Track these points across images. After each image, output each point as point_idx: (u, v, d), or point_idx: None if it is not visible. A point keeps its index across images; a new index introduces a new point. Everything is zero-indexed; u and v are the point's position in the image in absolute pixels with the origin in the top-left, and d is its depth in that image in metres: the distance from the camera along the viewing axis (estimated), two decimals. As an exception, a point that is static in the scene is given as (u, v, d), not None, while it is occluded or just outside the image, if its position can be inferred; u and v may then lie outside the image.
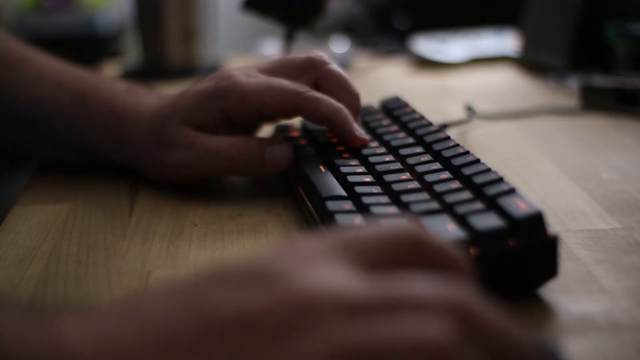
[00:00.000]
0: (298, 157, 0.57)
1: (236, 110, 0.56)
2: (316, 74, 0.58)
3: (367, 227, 0.32)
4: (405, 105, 0.65)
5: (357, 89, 0.59)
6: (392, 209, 0.45)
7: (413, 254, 0.31)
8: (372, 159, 0.53)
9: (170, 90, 0.66)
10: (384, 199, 0.47)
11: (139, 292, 0.30)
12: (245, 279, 0.28)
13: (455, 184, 0.46)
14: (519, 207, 0.41)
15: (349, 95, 0.58)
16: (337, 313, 0.27)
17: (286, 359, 0.26)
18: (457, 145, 0.52)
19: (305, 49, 0.61)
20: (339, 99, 0.57)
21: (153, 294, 0.29)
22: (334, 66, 0.59)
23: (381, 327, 0.26)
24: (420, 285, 0.28)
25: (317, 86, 0.58)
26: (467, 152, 0.50)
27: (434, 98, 0.88)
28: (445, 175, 0.48)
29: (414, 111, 0.63)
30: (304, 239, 0.31)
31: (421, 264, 0.30)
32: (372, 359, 0.26)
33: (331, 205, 0.47)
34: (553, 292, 0.42)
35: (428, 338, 0.26)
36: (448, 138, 0.54)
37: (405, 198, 0.46)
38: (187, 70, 1.04)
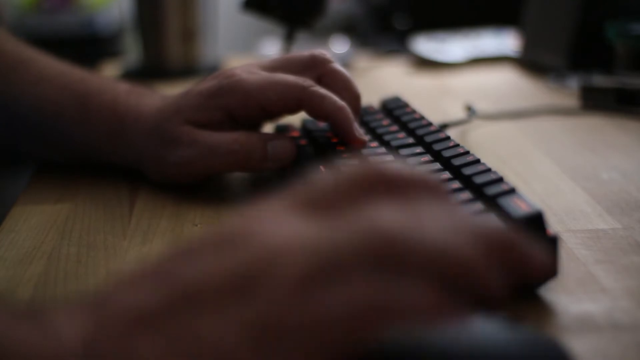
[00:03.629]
0: (298, 157, 0.57)
1: (240, 107, 0.56)
2: (319, 72, 0.58)
3: (322, 177, 0.31)
4: (405, 105, 0.65)
5: (359, 89, 0.59)
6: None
7: (374, 188, 0.30)
8: (372, 159, 0.53)
9: (171, 90, 0.66)
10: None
11: (111, 282, 0.30)
12: (208, 247, 0.29)
13: (455, 184, 0.46)
14: (518, 207, 0.41)
15: (350, 95, 0.58)
16: (303, 261, 0.27)
17: (256, 313, 0.27)
18: (457, 145, 0.52)
19: (305, 49, 0.61)
20: (340, 98, 0.57)
21: (124, 280, 0.30)
22: (337, 65, 0.59)
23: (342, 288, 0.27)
24: (376, 208, 0.29)
25: (319, 84, 0.58)
26: (467, 152, 0.50)
27: (434, 98, 0.88)
28: (446, 175, 0.48)
29: (414, 111, 0.63)
30: (264, 201, 0.31)
31: (387, 194, 0.30)
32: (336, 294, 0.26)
33: (331, 205, 0.47)
34: (553, 292, 0.42)
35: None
36: (448, 138, 0.54)
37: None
38: (187, 70, 1.04)
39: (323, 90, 0.55)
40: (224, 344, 0.27)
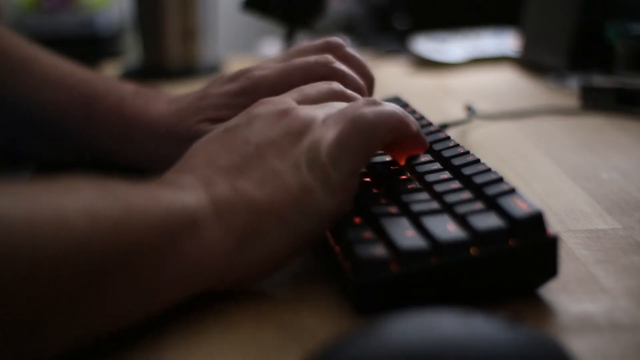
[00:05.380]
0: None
1: None
2: (334, 57, 0.58)
3: (311, 87, 0.49)
4: (405, 105, 0.65)
5: (373, 72, 0.59)
6: (392, 209, 0.45)
7: (336, 96, 0.49)
8: (372, 159, 0.53)
9: (171, 90, 0.66)
10: (384, 198, 0.47)
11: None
12: (261, 119, 0.44)
13: (456, 184, 0.46)
14: (518, 207, 0.41)
15: (364, 78, 0.58)
16: (320, 121, 0.44)
17: (307, 146, 0.42)
18: (457, 145, 0.52)
19: (316, 39, 0.61)
20: None
21: (209, 148, 0.44)
22: (351, 49, 0.59)
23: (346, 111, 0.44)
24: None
25: None
26: (467, 152, 0.50)
27: (434, 98, 0.88)
28: (446, 175, 0.48)
29: (414, 111, 0.63)
30: (272, 97, 0.47)
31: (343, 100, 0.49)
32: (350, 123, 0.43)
33: (331, 205, 0.47)
34: (553, 292, 0.42)
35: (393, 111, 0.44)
36: (448, 138, 0.54)
37: (405, 198, 0.46)
38: (187, 70, 1.04)
39: (345, 67, 0.56)
40: (290, 170, 0.41)
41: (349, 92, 0.49)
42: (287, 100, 0.46)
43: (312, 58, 0.56)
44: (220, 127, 0.46)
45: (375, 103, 0.45)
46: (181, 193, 0.40)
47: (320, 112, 0.45)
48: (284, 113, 0.44)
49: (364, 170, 0.50)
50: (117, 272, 0.36)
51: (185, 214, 0.39)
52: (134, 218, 0.37)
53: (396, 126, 0.44)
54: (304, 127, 0.43)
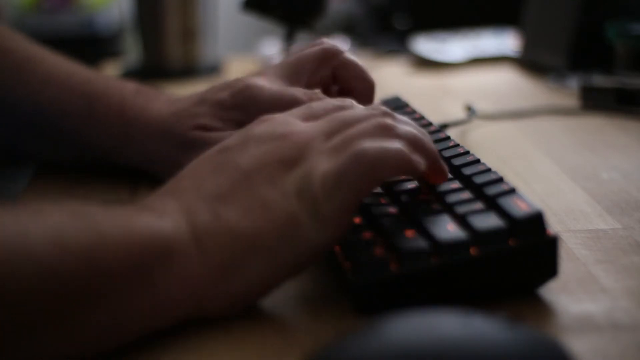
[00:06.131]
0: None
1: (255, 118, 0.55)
2: (332, 65, 0.58)
3: (312, 104, 0.46)
4: (405, 105, 0.65)
5: (372, 77, 0.59)
6: (392, 209, 0.45)
7: (333, 110, 0.46)
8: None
9: (171, 91, 0.66)
10: (384, 198, 0.47)
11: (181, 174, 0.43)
12: (253, 142, 0.42)
13: (456, 184, 0.46)
14: (518, 207, 0.41)
15: (364, 83, 0.58)
16: (320, 144, 0.42)
17: (301, 175, 0.40)
18: (457, 145, 0.52)
19: (314, 42, 0.60)
20: (354, 87, 0.57)
21: (196, 173, 0.42)
22: (350, 55, 0.59)
23: (343, 137, 0.42)
24: (350, 111, 0.45)
25: (334, 76, 0.58)
26: (467, 152, 0.50)
27: (434, 98, 0.88)
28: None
29: (414, 111, 0.63)
30: (274, 115, 0.45)
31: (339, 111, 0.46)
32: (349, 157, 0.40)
33: (331, 205, 0.47)
34: (553, 292, 0.42)
35: (392, 147, 0.41)
36: (448, 138, 0.54)
37: (405, 198, 0.46)
38: (187, 70, 1.04)
39: (340, 103, 0.54)
40: (279, 198, 0.40)
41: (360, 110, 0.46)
42: (287, 120, 0.44)
43: (308, 94, 0.54)
44: (215, 147, 0.44)
45: (385, 128, 0.42)
46: (159, 220, 0.39)
47: (320, 132, 0.43)
48: (281, 137, 0.42)
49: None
50: (87, 301, 0.35)
51: (160, 243, 0.38)
52: (106, 245, 0.36)
53: (400, 167, 0.41)
54: (299, 154, 0.41)
